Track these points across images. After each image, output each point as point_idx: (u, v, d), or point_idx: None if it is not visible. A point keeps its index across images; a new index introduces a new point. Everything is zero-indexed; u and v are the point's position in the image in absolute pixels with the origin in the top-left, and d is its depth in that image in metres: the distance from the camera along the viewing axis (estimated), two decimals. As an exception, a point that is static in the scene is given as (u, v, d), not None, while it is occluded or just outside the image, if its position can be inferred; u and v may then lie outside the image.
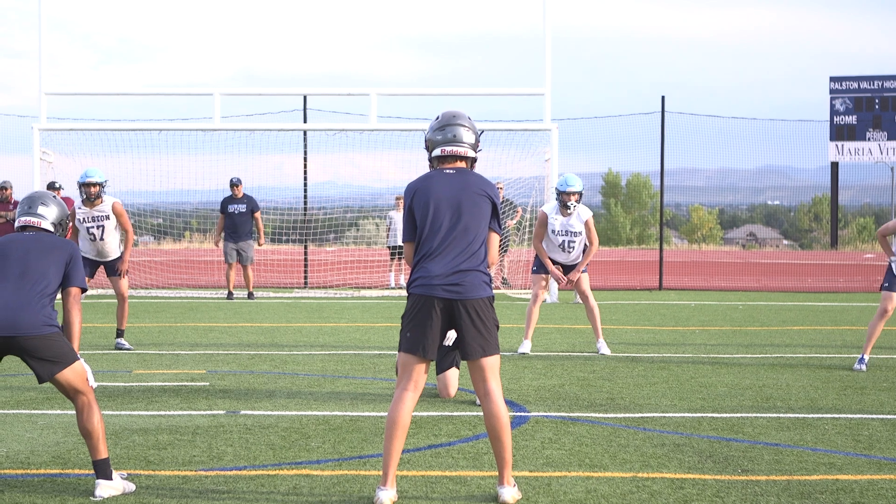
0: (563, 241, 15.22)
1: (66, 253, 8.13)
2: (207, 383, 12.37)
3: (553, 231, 15.20)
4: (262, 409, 10.83)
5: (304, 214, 29.67)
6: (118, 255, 15.78)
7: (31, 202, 8.39)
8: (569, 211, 15.09)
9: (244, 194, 25.31)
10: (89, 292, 24.72)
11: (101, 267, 15.90)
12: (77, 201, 15.96)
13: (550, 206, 15.37)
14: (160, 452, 8.93)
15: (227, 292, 25.21)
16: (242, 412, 10.63)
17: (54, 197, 8.48)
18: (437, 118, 7.85)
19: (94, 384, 7.97)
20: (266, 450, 9.05)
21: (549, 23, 25.12)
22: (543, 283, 15.45)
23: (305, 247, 29.81)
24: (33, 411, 10.66)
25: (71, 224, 15.45)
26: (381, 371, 13.45)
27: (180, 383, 12.38)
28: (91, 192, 15.55)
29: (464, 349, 7.58)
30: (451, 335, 11.37)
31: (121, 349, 15.44)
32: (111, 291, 25.11)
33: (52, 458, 8.73)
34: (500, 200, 26.96)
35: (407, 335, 7.62)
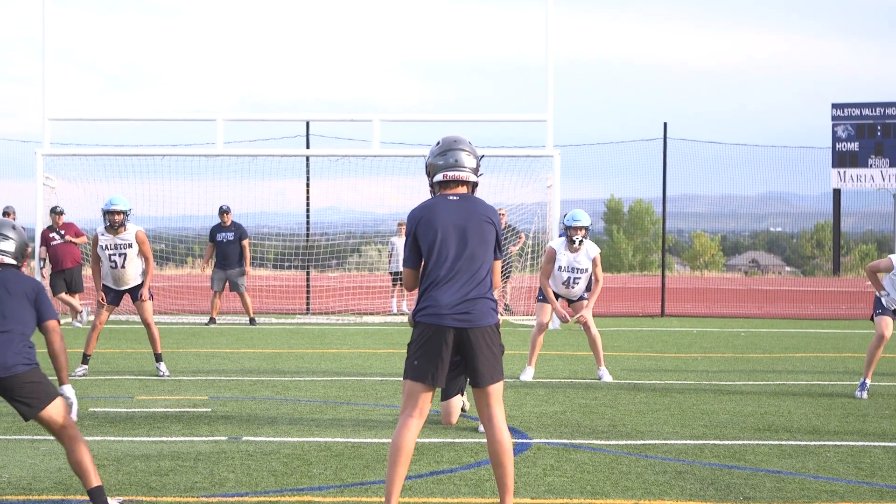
0: (569, 277, 15.24)
1: (32, 291, 8.14)
2: (209, 409, 12.36)
3: (559, 267, 15.19)
4: (264, 435, 10.83)
5: (307, 240, 29.69)
6: (138, 282, 15.77)
7: None
8: (576, 246, 15.04)
9: (232, 222, 25.38)
10: (114, 317, 24.75)
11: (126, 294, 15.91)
12: (100, 227, 15.94)
13: (558, 241, 15.33)
14: (162, 478, 8.92)
15: (209, 318, 25.28)
16: (244, 438, 10.63)
17: (13, 226, 8.34)
18: (438, 143, 7.86)
19: (76, 417, 7.96)
20: (268, 476, 9.04)
21: (551, 50, 25.19)
22: (548, 311, 15.42)
23: (308, 273, 29.82)
24: (35, 437, 10.65)
25: (93, 251, 15.64)
26: (382, 397, 13.45)
27: (182, 409, 12.38)
28: (115, 219, 15.57)
29: (475, 376, 7.58)
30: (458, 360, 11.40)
31: (160, 376, 15.50)
32: (136, 318, 25.22)
33: (54, 485, 8.73)
34: (503, 227, 27.07)
35: (415, 363, 7.59)
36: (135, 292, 15.81)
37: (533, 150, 26.02)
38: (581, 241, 15.02)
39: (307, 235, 29.66)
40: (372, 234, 35.84)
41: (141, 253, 15.74)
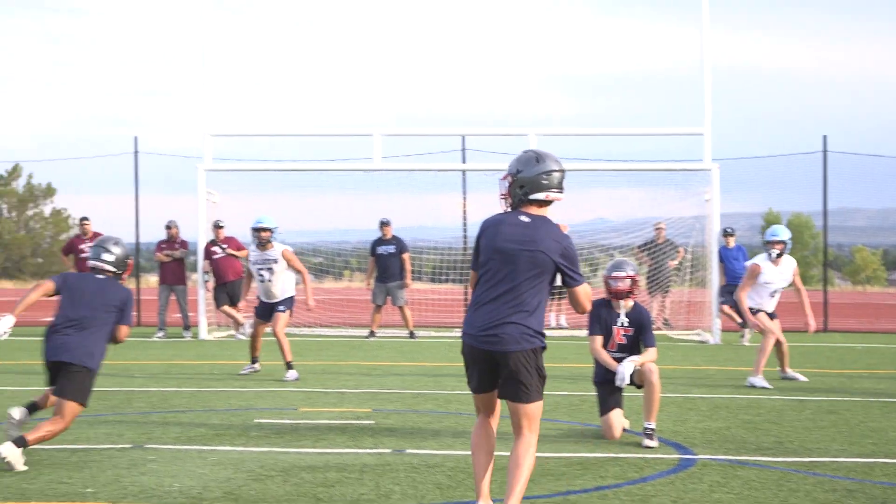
0: (774, 290, 16.26)
1: (121, 300, 10.48)
2: (373, 422, 12.46)
3: (766, 282, 16.18)
4: (427, 448, 10.88)
5: (464, 254, 29.78)
6: (286, 296, 16.49)
7: (99, 247, 10.74)
8: (777, 259, 16.11)
9: (393, 235, 25.52)
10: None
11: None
12: (251, 246, 16.86)
13: (761, 257, 16.32)
14: (329, 490, 9.01)
15: (369, 331, 25.50)
16: (408, 451, 10.69)
17: (116, 242, 10.80)
18: (538, 157, 7.73)
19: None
20: (433, 489, 9.08)
21: (707, 61, 24.90)
22: (769, 322, 16.34)
23: (466, 287, 29.91)
24: (202, 447, 10.84)
25: (246, 272, 16.46)
26: (544, 412, 13.38)
27: (346, 421, 12.49)
28: (262, 237, 16.49)
29: (503, 392, 7.74)
30: (620, 375, 11.31)
31: (286, 379, 16.49)
32: (299, 330, 25.64)
33: (224, 495, 8.86)
34: (662, 241, 26.88)
35: (467, 376, 7.87)
36: (275, 306, 16.83)
37: (690, 163, 25.73)
38: (779, 255, 16.10)
39: (464, 249, 29.75)
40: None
41: (290, 268, 16.73)
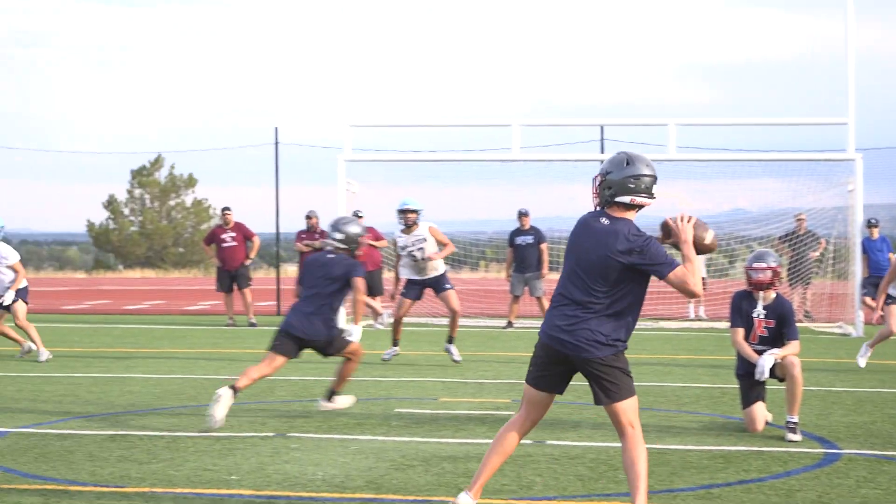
0: None
1: (346, 269, 12.13)
2: (512, 412, 12.45)
3: None
4: (568, 439, 10.86)
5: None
6: (439, 272, 16.96)
7: (332, 226, 12.40)
8: None
9: (531, 226, 25.50)
10: (415, 319, 25.45)
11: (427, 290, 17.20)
12: (396, 231, 17.28)
13: None
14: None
15: (506, 321, 25.52)
16: (548, 442, 10.68)
17: (348, 222, 12.41)
18: (629, 159, 7.59)
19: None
20: (575, 481, 9.07)
21: (851, 48, 24.44)
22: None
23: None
24: (345, 436, 10.95)
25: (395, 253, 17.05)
26: (685, 404, 13.32)
27: (486, 412, 12.53)
28: (408, 218, 16.92)
29: (593, 394, 7.75)
30: (760, 368, 11.17)
31: (448, 353, 17.31)
32: (437, 321, 25.78)
33: (366, 483, 8.94)
34: (803, 232, 26.49)
35: (530, 367, 7.80)
36: (437, 285, 17.40)
37: (833, 153, 25.31)
38: None
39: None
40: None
41: (438, 243, 17.41)
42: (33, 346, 18.12)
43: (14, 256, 18.28)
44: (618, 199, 7.55)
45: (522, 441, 10.62)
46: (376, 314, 24.80)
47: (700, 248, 7.63)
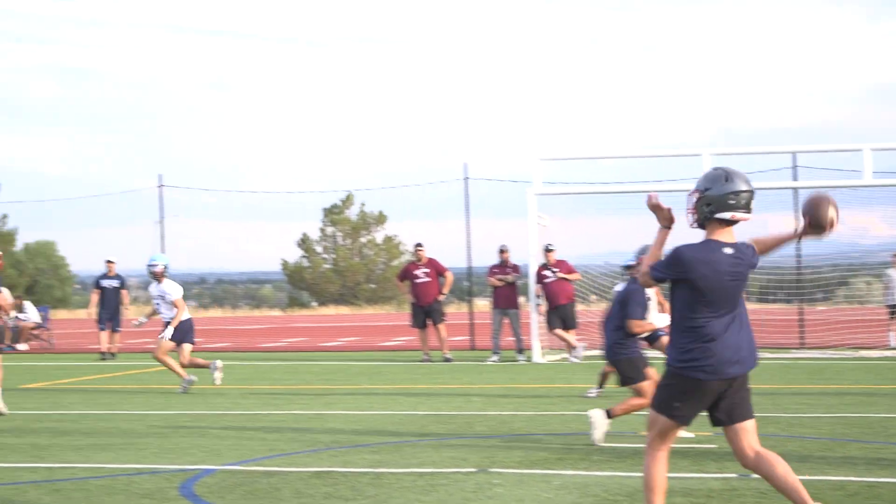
0: None
1: (622, 296, 13.03)
2: (716, 445, 12.31)
3: None
4: (773, 473, 10.67)
5: (797, 272, 29.20)
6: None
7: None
8: None
9: None
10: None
11: None
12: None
13: None
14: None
15: None
16: (754, 476, 10.51)
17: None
18: (727, 175, 7.60)
19: None
20: (784, 515, 8.91)
21: None
22: None
23: (800, 307, 29.32)
24: (547, 471, 10.94)
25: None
26: (892, 434, 13.00)
27: (688, 445, 12.39)
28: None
29: (734, 415, 7.77)
30: None
31: None
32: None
33: (572, 519, 8.91)
34: None
35: (684, 405, 7.73)
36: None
37: None
38: None
39: (797, 268, 29.17)
40: (858, 266, 34.86)
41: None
42: (194, 378, 18.91)
43: (177, 292, 19.01)
44: (717, 216, 7.54)
45: (727, 475, 10.56)
46: (571, 347, 24.81)
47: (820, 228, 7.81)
